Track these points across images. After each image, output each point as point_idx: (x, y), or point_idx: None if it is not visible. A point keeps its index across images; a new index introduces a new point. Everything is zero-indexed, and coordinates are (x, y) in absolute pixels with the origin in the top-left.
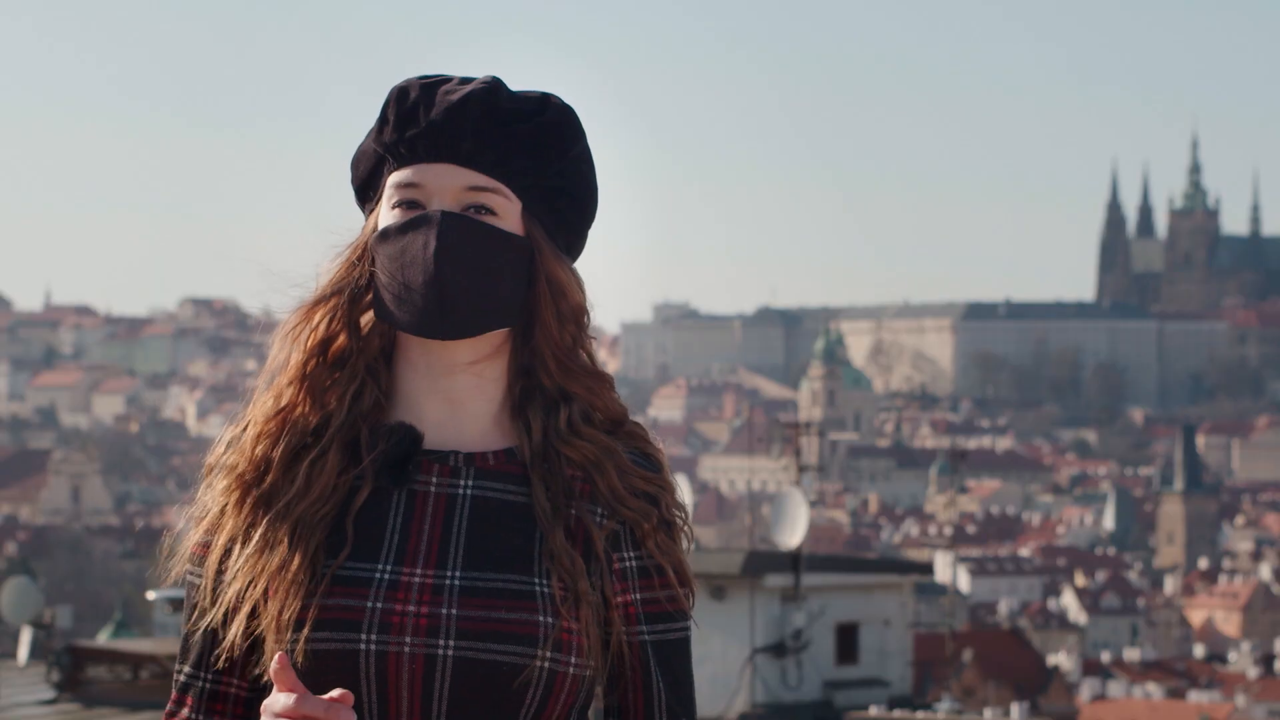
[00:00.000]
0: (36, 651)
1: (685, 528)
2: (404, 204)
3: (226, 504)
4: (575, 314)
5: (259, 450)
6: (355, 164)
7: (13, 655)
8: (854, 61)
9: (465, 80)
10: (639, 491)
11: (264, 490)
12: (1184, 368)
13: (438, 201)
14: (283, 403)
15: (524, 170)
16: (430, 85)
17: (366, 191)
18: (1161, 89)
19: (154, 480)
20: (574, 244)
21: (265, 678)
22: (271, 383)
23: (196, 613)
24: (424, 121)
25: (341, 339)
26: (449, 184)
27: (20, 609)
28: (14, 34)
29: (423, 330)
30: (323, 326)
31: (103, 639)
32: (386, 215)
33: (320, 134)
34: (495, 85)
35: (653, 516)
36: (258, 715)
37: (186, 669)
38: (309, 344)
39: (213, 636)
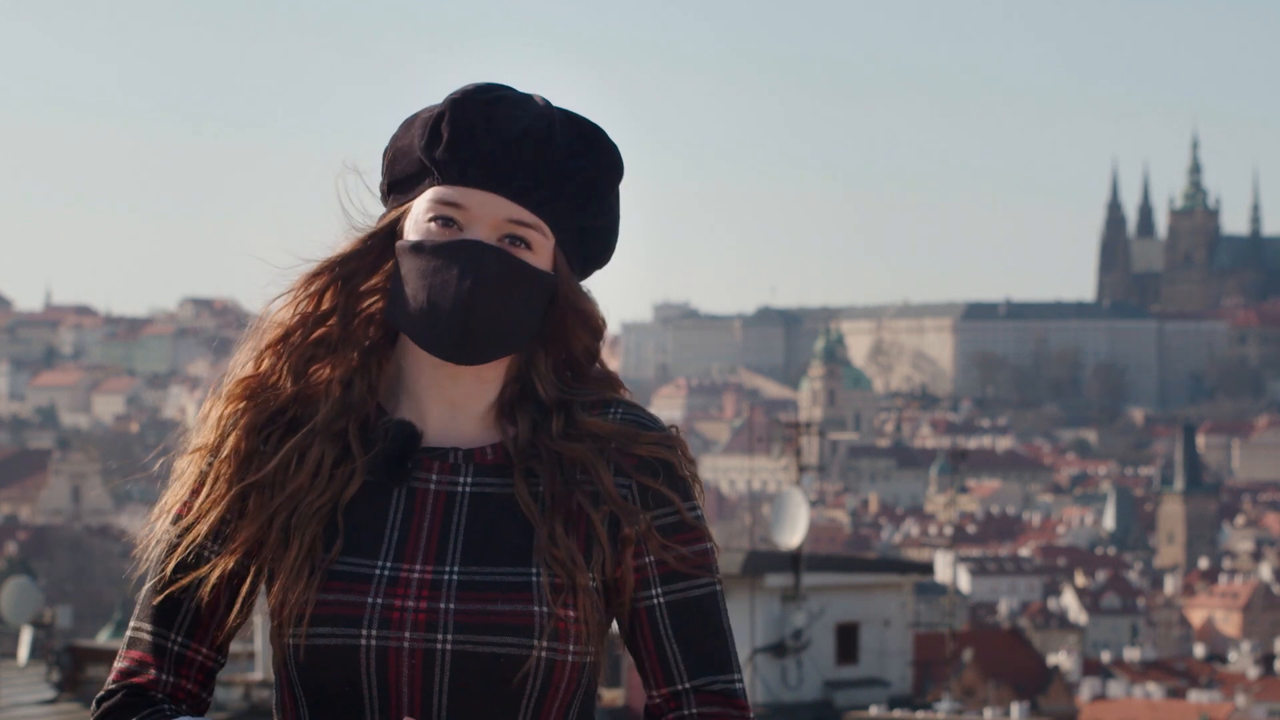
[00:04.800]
0: (36, 651)
1: (697, 482)
2: (441, 220)
3: (205, 470)
4: (596, 334)
5: (236, 419)
6: (392, 160)
7: (13, 655)
8: (854, 61)
9: (519, 101)
10: (648, 460)
11: (247, 463)
12: (1184, 368)
13: (477, 227)
14: (261, 368)
15: (566, 212)
16: (488, 104)
17: (396, 188)
18: (1161, 89)
19: (154, 480)
20: (589, 274)
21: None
22: (257, 344)
23: (169, 573)
24: (479, 148)
25: (332, 322)
26: (492, 213)
27: (20, 609)
28: (15, 34)
29: (439, 352)
30: (314, 300)
31: (103, 639)
32: (421, 226)
33: (321, 134)
34: (550, 119)
35: (641, 522)
36: (213, 684)
37: (149, 628)
38: (297, 313)
39: (188, 601)
